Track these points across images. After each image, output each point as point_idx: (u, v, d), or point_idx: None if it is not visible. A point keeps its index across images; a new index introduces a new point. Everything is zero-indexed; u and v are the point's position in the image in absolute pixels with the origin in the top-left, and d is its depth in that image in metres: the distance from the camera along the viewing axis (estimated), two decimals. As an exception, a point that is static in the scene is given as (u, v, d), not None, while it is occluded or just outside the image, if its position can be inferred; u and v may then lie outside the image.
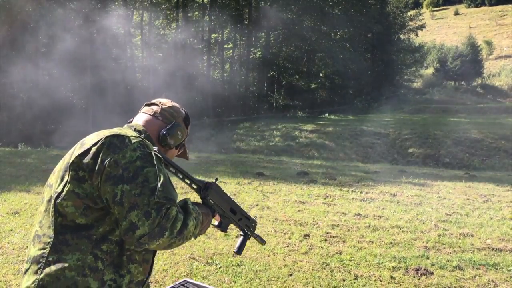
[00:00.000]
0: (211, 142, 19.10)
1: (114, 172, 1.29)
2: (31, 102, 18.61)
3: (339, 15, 30.75)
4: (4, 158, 10.74)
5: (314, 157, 16.93)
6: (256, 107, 29.51)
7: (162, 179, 1.32)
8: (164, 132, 1.53)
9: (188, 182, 1.51)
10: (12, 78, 19.29)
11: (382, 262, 4.16)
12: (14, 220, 5.25)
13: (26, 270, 1.36)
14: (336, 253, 4.40)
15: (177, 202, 1.38)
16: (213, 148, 17.26)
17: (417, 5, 63.62)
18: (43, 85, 19.14)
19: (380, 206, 6.58)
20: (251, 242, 4.60)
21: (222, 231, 1.68)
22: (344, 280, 3.73)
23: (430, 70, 45.74)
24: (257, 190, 7.44)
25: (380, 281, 3.75)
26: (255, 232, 1.82)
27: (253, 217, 1.80)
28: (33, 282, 1.32)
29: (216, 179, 1.65)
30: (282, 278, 3.73)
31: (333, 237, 4.95)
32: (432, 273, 3.94)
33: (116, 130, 1.41)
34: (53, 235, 1.33)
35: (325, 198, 7.03)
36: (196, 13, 29.57)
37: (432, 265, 4.14)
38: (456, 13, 69.85)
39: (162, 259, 4.01)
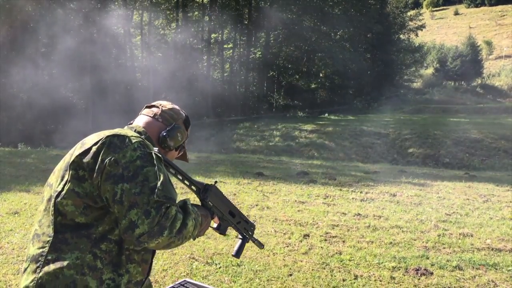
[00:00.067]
0: (211, 142, 19.11)
1: (114, 171, 1.29)
2: (31, 102, 18.62)
3: (339, 15, 30.77)
4: (4, 158, 10.74)
5: (314, 157, 16.93)
6: (256, 107, 29.51)
7: (162, 178, 1.32)
8: (164, 134, 1.54)
9: (188, 183, 1.52)
10: (12, 78, 19.31)
11: (382, 262, 4.16)
12: (14, 220, 5.25)
13: (25, 269, 1.37)
14: (336, 253, 4.40)
15: (176, 202, 1.38)
16: (213, 148, 17.26)
17: (417, 5, 63.66)
18: (43, 85, 19.14)
19: (380, 206, 6.59)
20: (250, 243, 4.60)
21: (220, 233, 1.68)
22: (344, 280, 3.73)
23: (430, 70, 45.78)
24: (257, 190, 7.44)
25: (380, 281, 3.76)
26: (253, 236, 1.79)
27: (251, 221, 1.79)
28: (32, 280, 1.32)
29: (216, 182, 1.65)
30: (282, 278, 3.73)
31: (333, 237, 4.96)
32: (432, 273, 3.94)
33: (117, 131, 1.42)
34: (53, 234, 1.34)
35: (325, 198, 7.03)
36: (196, 13, 29.59)
37: (432, 265, 4.14)
38: (456, 13, 69.91)
39: (162, 259, 4.01)
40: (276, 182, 8.38)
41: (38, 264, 1.33)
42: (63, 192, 1.34)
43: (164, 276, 3.67)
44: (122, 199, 1.28)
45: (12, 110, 19.28)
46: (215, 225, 1.66)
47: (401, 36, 38.25)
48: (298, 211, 6.15)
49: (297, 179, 8.85)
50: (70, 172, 1.35)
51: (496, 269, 4.10)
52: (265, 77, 31.24)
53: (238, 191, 7.31)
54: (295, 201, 6.75)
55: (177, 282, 2.12)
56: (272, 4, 28.63)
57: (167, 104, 1.64)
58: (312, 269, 3.95)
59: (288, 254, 4.33)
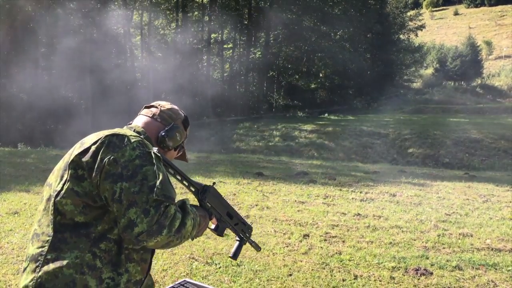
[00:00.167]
0: (211, 142, 19.12)
1: (113, 170, 1.30)
2: (31, 102, 18.61)
3: (339, 15, 30.76)
4: (4, 158, 10.74)
5: (314, 157, 16.93)
6: (256, 107, 29.51)
7: (161, 177, 1.33)
8: (163, 134, 1.54)
9: (186, 184, 1.52)
10: (12, 78, 19.30)
11: (382, 262, 4.17)
12: (13, 220, 5.25)
13: (25, 269, 1.37)
14: (336, 253, 4.40)
15: (175, 201, 1.38)
16: (213, 148, 17.26)
17: (417, 5, 63.71)
18: (43, 85, 19.15)
19: (379, 206, 6.59)
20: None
21: (218, 235, 1.68)
22: (343, 280, 3.73)
23: (429, 70, 45.79)
24: (257, 190, 7.44)
25: (380, 281, 3.76)
26: (250, 238, 1.80)
27: (249, 223, 1.79)
28: (32, 280, 1.32)
29: (214, 183, 1.65)
30: (282, 278, 3.74)
31: (333, 237, 4.96)
32: (431, 273, 3.94)
33: (116, 130, 1.43)
34: (52, 233, 1.34)
35: (324, 198, 7.03)
36: (196, 13, 29.59)
37: (432, 265, 4.15)
38: (456, 13, 69.91)
39: (162, 259, 4.01)
40: (276, 182, 8.38)
41: (37, 264, 1.33)
42: (62, 192, 1.35)
43: (164, 276, 3.67)
44: (121, 198, 1.28)
45: (12, 110, 19.28)
46: (213, 226, 1.66)
47: (401, 36, 38.27)
48: (298, 211, 6.15)
49: (297, 179, 8.86)
50: (69, 171, 1.36)
51: (496, 269, 4.10)
52: (265, 77, 31.24)
53: (238, 191, 7.31)
54: (295, 201, 6.75)
55: (177, 282, 2.12)
56: (272, 4, 28.63)
57: (165, 104, 1.64)
58: (312, 269, 3.95)
59: (288, 254, 4.33)
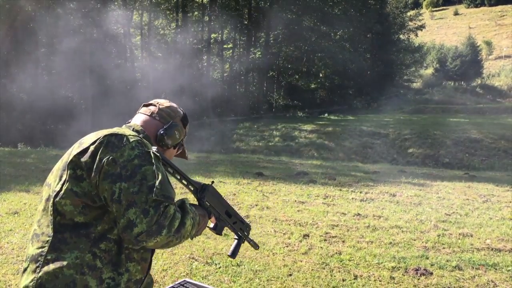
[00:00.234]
0: (211, 142, 19.11)
1: (112, 170, 1.29)
2: (31, 102, 18.61)
3: (339, 15, 30.75)
4: (4, 158, 10.74)
5: (314, 157, 16.93)
6: (256, 107, 29.50)
7: (160, 177, 1.32)
8: (162, 132, 1.54)
9: (185, 183, 1.52)
10: (12, 78, 19.29)
11: (382, 262, 4.17)
12: (13, 220, 5.25)
13: (25, 269, 1.37)
14: (336, 253, 4.40)
15: (175, 201, 1.38)
16: (212, 148, 17.27)
17: (417, 5, 63.71)
18: (43, 85, 19.13)
19: (379, 206, 6.59)
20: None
21: (217, 233, 1.68)
22: (343, 280, 3.73)
23: (429, 70, 45.79)
24: (257, 190, 7.44)
25: (380, 281, 3.76)
26: (249, 236, 1.80)
27: (247, 221, 1.80)
28: (32, 280, 1.32)
29: (212, 182, 1.65)
30: (282, 278, 3.74)
31: (333, 237, 4.96)
32: (431, 273, 3.94)
33: (115, 130, 1.42)
34: (52, 234, 1.34)
35: (324, 198, 7.03)
36: (196, 13, 29.59)
37: (432, 265, 4.15)
38: (456, 13, 69.90)
39: (162, 259, 4.01)
40: (276, 182, 8.38)
41: (37, 264, 1.33)
42: (61, 192, 1.34)
43: (164, 276, 3.67)
44: (120, 198, 1.27)
45: (12, 110, 19.27)
46: (212, 225, 1.66)
47: (401, 36, 38.27)
48: (298, 211, 6.15)
49: (297, 179, 8.86)
50: (68, 171, 1.35)
51: (496, 269, 4.10)
52: (265, 77, 31.24)
53: (237, 191, 7.31)
54: (295, 201, 6.75)
55: (177, 282, 2.12)
56: (272, 4, 28.63)
57: (164, 102, 1.64)
58: (312, 269, 3.95)
59: (287, 254, 4.33)
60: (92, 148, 1.34)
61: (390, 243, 4.80)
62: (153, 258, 1.52)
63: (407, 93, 38.69)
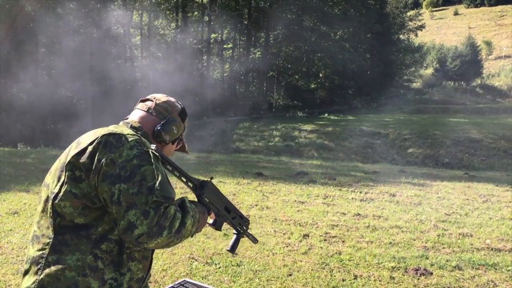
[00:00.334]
0: (211, 142, 19.10)
1: (111, 171, 1.28)
2: (31, 102, 18.61)
3: (339, 15, 30.76)
4: (4, 158, 10.74)
5: (314, 157, 16.93)
6: (255, 107, 29.50)
7: (160, 177, 1.31)
8: (159, 128, 1.52)
9: (184, 180, 1.51)
10: (12, 78, 19.29)
11: (382, 262, 4.17)
12: (13, 220, 5.25)
13: (26, 271, 1.36)
14: (336, 253, 4.40)
15: (175, 196, 1.37)
16: (212, 148, 17.26)
17: (417, 5, 63.69)
18: (43, 85, 19.13)
19: (379, 206, 6.59)
20: (250, 243, 4.59)
21: (216, 229, 1.69)
22: (343, 280, 3.73)
23: (429, 70, 45.79)
24: (257, 190, 7.44)
25: (380, 281, 3.76)
26: (248, 231, 1.81)
27: (246, 216, 1.80)
28: (33, 282, 1.32)
29: (211, 178, 1.64)
30: (282, 278, 3.74)
31: (333, 237, 4.96)
32: (431, 273, 3.94)
33: (112, 129, 1.40)
34: (52, 236, 1.33)
35: (324, 198, 7.04)
36: (196, 13, 29.59)
37: (432, 265, 4.15)
38: (456, 13, 69.91)
39: (162, 259, 4.01)
40: (276, 182, 8.38)
41: (39, 266, 1.32)
42: (60, 194, 1.33)
43: (164, 276, 3.67)
44: (120, 199, 1.26)
45: (12, 110, 19.27)
46: (211, 221, 1.66)
47: (401, 36, 38.27)
48: (298, 211, 6.16)
49: (297, 179, 8.86)
50: (67, 173, 1.33)
51: (496, 269, 4.10)
52: (265, 77, 31.23)
53: (237, 191, 7.31)
54: (295, 201, 6.75)
55: (176, 282, 2.12)
56: (272, 4, 28.64)
57: (161, 97, 1.61)
58: (312, 269, 3.95)
59: (287, 254, 4.33)
60: (90, 148, 1.32)
61: (390, 243, 4.80)
62: (153, 257, 1.52)
63: (407, 93, 38.70)
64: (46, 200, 1.38)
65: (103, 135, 1.34)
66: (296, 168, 11.06)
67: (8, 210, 5.66)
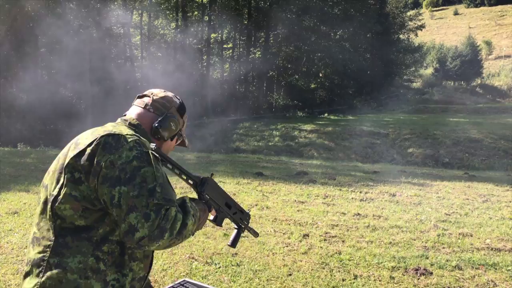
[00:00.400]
0: (211, 142, 19.10)
1: (111, 174, 1.26)
2: (31, 102, 18.60)
3: (339, 15, 30.75)
4: (3, 158, 10.74)
5: (314, 157, 16.94)
6: (255, 107, 29.50)
7: (160, 179, 1.30)
8: (156, 125, 1.49)
9: (185, 177, 1.51)
10: (12, 78, 19.29)
11: (382, 262, 4.17)
12: (13, 220, 5.25)
13: (27, 273, 1.35)
14: (336, 253, 4.40)
15: (175, 198, 1.37)
16: (212, 148, 17.26)
17: (417, 5, 63.79)
18: (43, 85, 19.13)
19: (379, 206, 6.59)
20: (250, 242, 4.60)
21: (217, 225, 1.69)
22: (343, 280, 3.73)
23: (429, 70, 45.80)
24: (257, 190, 7.44)
25: (380, 281, 3.76)
26: (248, 225, 1.82)
27: (247, 211, 1.80)
28: (35, 285, 1.31)
29: (212, 174, 1.64)
30: (282, 278, 3.74)
31: (333, 237, 4.96)
32: (431, 273, 3.94)
33: (111, 129, 1.38)
34: (53, 238, 1.32)
35: (324, 198, 7.04)
36: (196, 13, 29.59)
37: (432, 265, 4.15)
38: (456, 13, 69.92)
39: (162, 259, 4.01)
40: (276, 182, 8.38)
41: (40, 269, 1.31)
42: (60, 197, 1.31)
43: (164, 276, 3.67)
44: (120, 202, 1.25)
45: (12, 110, 19.27)
46: (211, 217, 1.67)
47: (401, 36, 38.28)
48: (298, 211, 6.15)
49: (297, 179, 8.86)
50: (66, 175, 1.32)
51: (496, 269, 4.10)
52: (265, 77, 31.23)
53: (237, 191, 7.31)
54: (295, 201, 6.75)
55: (176, 282, 2.12)
56: (272, 4, 28.63)
57: (158, 93, 1.58)
58: (312, 269, 3.95)
59: (287, 254, 4.33)
60: (88, 150, 1.31)
61: (390, 243, 4.80)
62: (153, 256, 1.52)
63: (407, 93, 38.72)
64: (45, 202, 1.37)
65: (102, 136, 1.32)
66: (296, 168, 11.06)
67: (8, 210, 5.66)
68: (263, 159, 13.31)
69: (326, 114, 28.95)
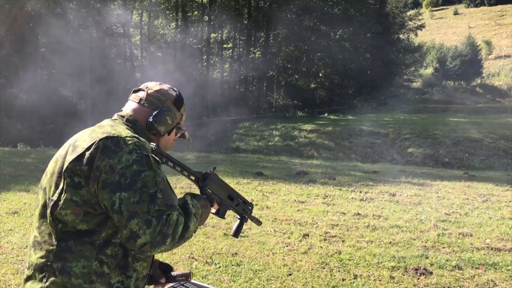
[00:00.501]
0: (211, 142, 19.10)
1: (111, 179, 1.24)
2: (31, 102, 18.62)
3: (339, 15, 30.75)
4: (4, 158, 10.74)
5: (314, 157, 16.94)
6: (255, 107, 29.51)
7: (161, 184, 1.28)
8: (151, 120, 1.45)
9: (186, 174, 1.50)
10: (12, 78, 19.29)
11: (382, 262, 4.17)
12: (13, 219, 5.25)
13: (29, 277, 1.33)
14: (336, 252, 4.40)
15: (177, 201, 1.35)
16: (212, 148, 17.26)
17: (417, 5, 63.76)
18: (43, 85, 19.14)
19: (379, 206, 6.59)
20: (250, 242, 4.60)
21: (220, 217, 1.70)
22: (343, 280, 3.73)
23: (429, 70, 45.78)
24: (257, 190, 7.44)
25: (380, 280, 3.76)
26: (251, 214, 1.83)
27: (249, 201, 1.81)
28: None
29: (214, 168, 1.63)
30: (282, 277, 3.74)
31: (333, 236, 4.96)
32: (431, 273, 3.94)
33: (109, 130, 1.35)
34: (55, 243, 1.30)
35: (324, 198, 7.04)
36: (196, 12, 29.59)
37: (431, 264, 4.15)
38: (456, 13, 69.91)
39: (161, 259, 4.01)
40: (276, 181, 8.38)
41: (43, 274, 1.30)
42: (61, 203, 1.29)
43: (164, 275, 3.67)
44: (121, 209, 1.23)
45: (12, 110, 19.28)
46: (213, 211, 1.67)
47: (401, 36, 38.27)
48: (298, 210, 6.16)
49: (297, 179, 8.86)
50: (65, 180, 1.29)
51: (496, 268, 4.10)
52: (265, 77, 31.22)
53: (237, 190, 7.30)
54: (295, 200, 6.75)
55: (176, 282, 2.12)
56: (272, 4, 28.63)
57: (153, 86, 1.53)
58: (312, 269, 3.95)
59: (287, 254, 4.33)
60: (87, 154, 1.27)
61: (390, 242, 4.80)
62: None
63: (407, 92, 38.71)
64: (44, 205, 1.35)
65: (101, 139, 1.29)
66: (296, 167, 11.06)
67: (8, 210, 5.66)
68: (263, 159, 13.32)
69: (326, 114, 28.96)
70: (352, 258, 4.27)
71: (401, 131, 19.34)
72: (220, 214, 1.68)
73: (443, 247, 4.69)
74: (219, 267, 3.89)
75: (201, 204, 1.49)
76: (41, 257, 1.32)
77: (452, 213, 6.24)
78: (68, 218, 1.29)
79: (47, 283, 1.29)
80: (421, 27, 40.34)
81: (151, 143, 1.38)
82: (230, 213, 1.85)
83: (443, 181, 9.13)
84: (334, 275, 3.82)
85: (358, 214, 6.01)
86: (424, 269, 3.99)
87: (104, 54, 20.74)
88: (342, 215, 5.97)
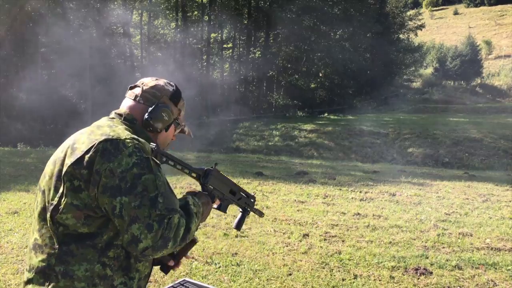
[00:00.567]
0: (211, 142, 19.11)
1: (111, 183, 1.22)
2: (31, 102, 18.61)
3: (339, 15, 30.75)
4: (3, 158, 10.74)
5: (314, 156, 16.94)
6: (255, 107, 29.51)
7: (162, 188, 1.27)
8: (146, 117, 1.42)
9: (187, 171, 1.49)
10: (12, 78, 19.29)
11: (382, 262, 4.17)
12: (13, 219, 5.25)
13: (30, 280, 1.32)
14: (336, 252, 4.40)
15: (178, 204, 1.34)
16: (212, 148, 17.27)
17: (417, 4, 63.78)
18: (43, 85, 19.14)
19: (379, 206, 6.59)
20: (250, 242, 4.60)
21: (222, 211, 1.71)
22: (343, 280, 3.73)
23: (429, 70, 45.79)
24: (257, 190, 7.44)
25: (380, 280, 3.76)
26: (254, 207, 1.84)
27: (252, 194, 1.83)
28: None
29: (216, 164, 1.61)
30: (282, 277, 3.74)
31: (333, 236, 4.96)
32: (431, 273, 3.94)
33: (108, 131, 1.32)
34: (57, 246, 1.29)
35: (324, 198, 7.04)
36: (196, 12, 29.59)
37: (431, 264, 4.15)
38: (456, 13, 69.93)
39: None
40: (276, 181, 8.38)
41: (45, 277, 1.29)
42: (61, 207, 1.27)
43: (164, 275, 3.67)
44: (122, 213, 1.22)
45: (12, 110, 19.28)
46: (215, 206, 1.67)
47: (401, 36, 38.28)
48: (298, 210, 6.16)
49: (297, 179, 8.86)
50: (65, 184, 1.27)
51: (496, 268, 4.10)
52: (265, 77, 31.23)
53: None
54: (295, 200, 6.75)
55: (176, 282, 2.12)
56: (272, 4, 28.64)
57: (149, 82, 1.50)
58: (312, 269, 3.95)
59: (287, 254, 4.33)
60: (87, 157, 1.25)
61: (390, 242, 4.80)
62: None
63: (407, 92, 38.72)
64: (44, 209, 1.33)
65: (100, 142, 1.27)
66: (296, 167, 11.06)
67: (8, 210, 5.66)
68: (263, 159, 13.32)
69: (326, 114, 28.96)
70: (352, 258, 4.27)
71: (401, 131, 19.35)
72: (222, 208, 1.69)
73: (443, 247, 4.69)
74: (219, 267, 3.89)
75: (203, 201, 1.48)
76: (43, 261, 1.31)
77: (452, 213, 6.24)
78: (69, 222, 1.28)
79: (49, 287, 1.28)
80: (421, 27, 40.35)
81: (151, 143, 1.36)
82: (230, 213, 1.85)
83: (443, 181, 9.14)
84: (334, 275, 3.82)
85: (358, 214, 6.02)
86: (424, 269, 3.99)
87: (104, 54, 20.74)
88: (342, 215, 5.97)
